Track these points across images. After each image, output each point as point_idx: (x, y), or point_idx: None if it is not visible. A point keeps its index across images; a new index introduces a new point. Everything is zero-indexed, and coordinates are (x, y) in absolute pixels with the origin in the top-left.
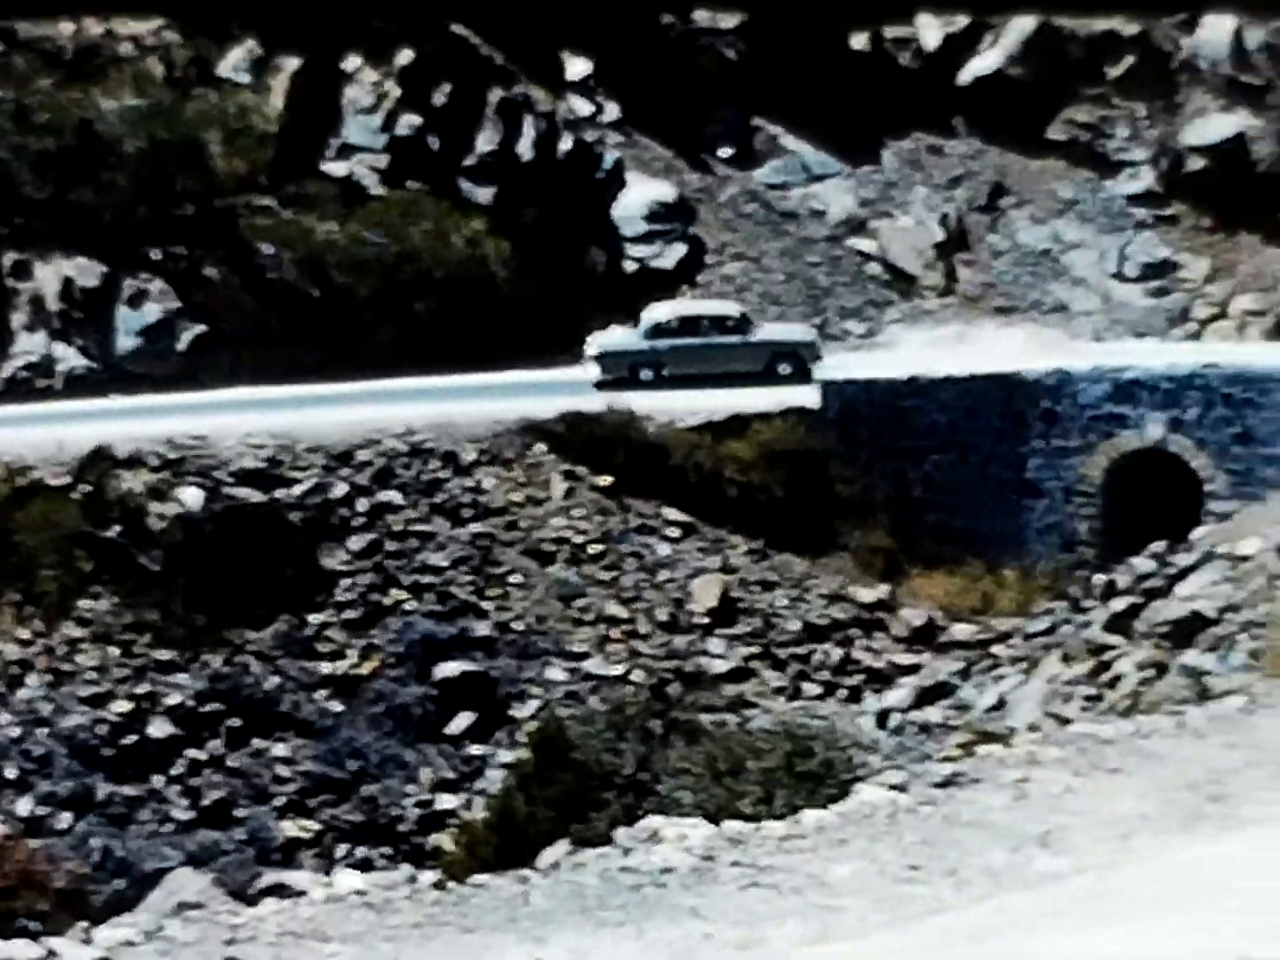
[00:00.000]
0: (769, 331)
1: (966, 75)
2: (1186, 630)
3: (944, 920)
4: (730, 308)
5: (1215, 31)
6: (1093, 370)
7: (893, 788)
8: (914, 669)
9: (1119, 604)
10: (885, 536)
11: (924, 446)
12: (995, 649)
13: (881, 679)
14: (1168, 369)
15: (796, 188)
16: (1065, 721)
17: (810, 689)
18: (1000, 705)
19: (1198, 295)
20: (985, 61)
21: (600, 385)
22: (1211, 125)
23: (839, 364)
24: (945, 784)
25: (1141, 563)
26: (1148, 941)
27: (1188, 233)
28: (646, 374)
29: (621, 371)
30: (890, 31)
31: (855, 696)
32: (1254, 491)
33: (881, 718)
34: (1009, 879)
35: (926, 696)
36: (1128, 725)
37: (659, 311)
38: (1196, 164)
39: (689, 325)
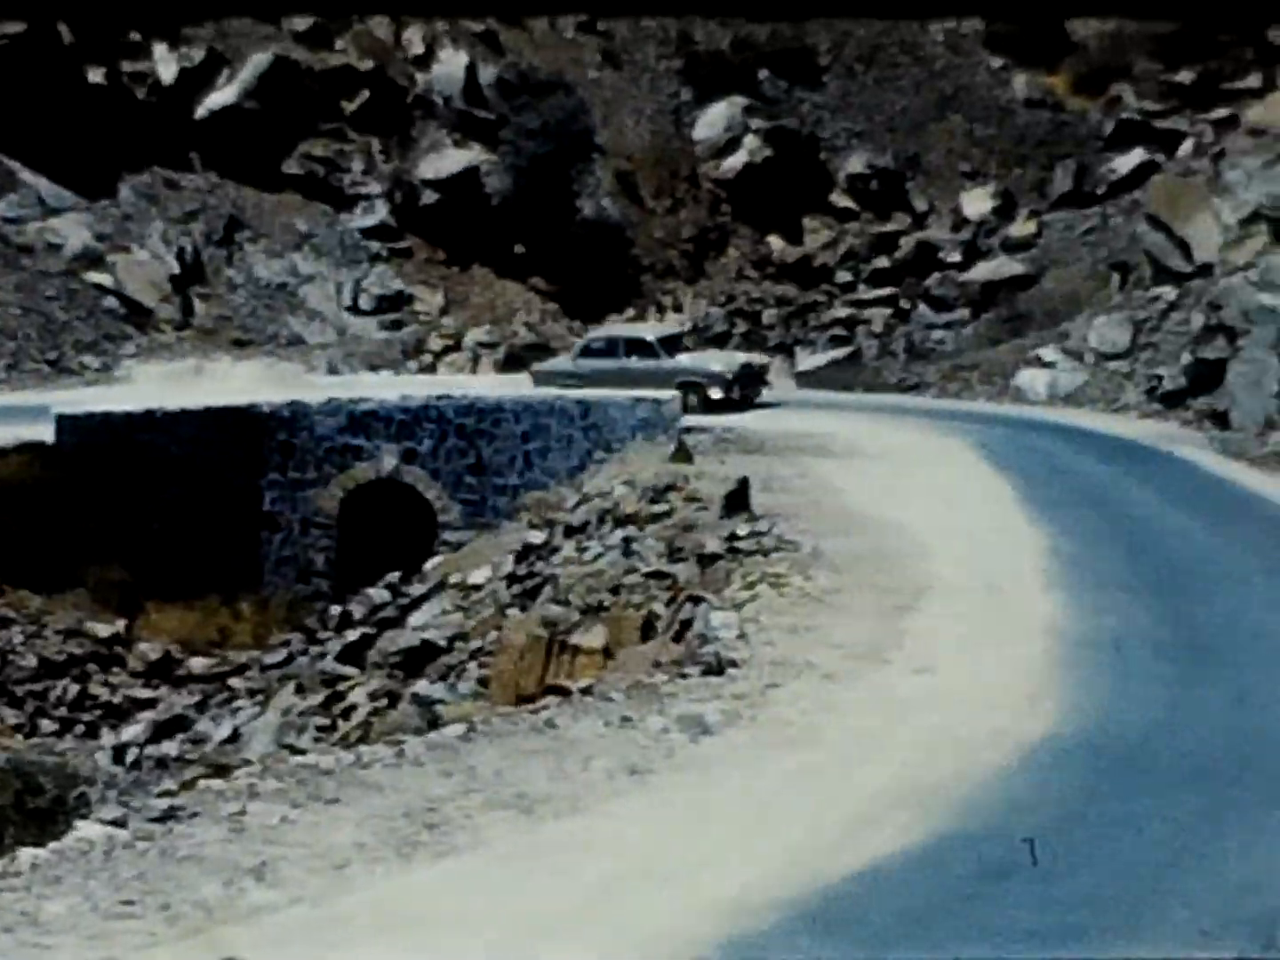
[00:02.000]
0: (682, 360)
1: (203, 109)
2: (418, 659)
3: (157, 955)
4: (649, 330)
5: (449, 67)
6: (328, 403)
7: (111, 823)
8: (151, 703)
9: (353, 634)
10: (122, 571)
11: (162, 480)
12: (232, 681)
13: (119, 714)
14: (402, 401)
15: (33, 221)
16: (299, 752)
17: (47, 725)
18: (235, 737)
19: (432, 328)
20: (222, 96)
21: None
22: (445, 159)
23: (75, 398)
24: (164, 819)
25: (376, 593)
26: None
27: (422, 266)
28: None
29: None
30: (127, 65)
31: (93, 732)
32: (487, 521)
33: (118, 753)
34: (222, 912)
35: (163, 730)
36: (348, 756)
37: (592, 333)
38: (430, 198)
39: (609, 347)
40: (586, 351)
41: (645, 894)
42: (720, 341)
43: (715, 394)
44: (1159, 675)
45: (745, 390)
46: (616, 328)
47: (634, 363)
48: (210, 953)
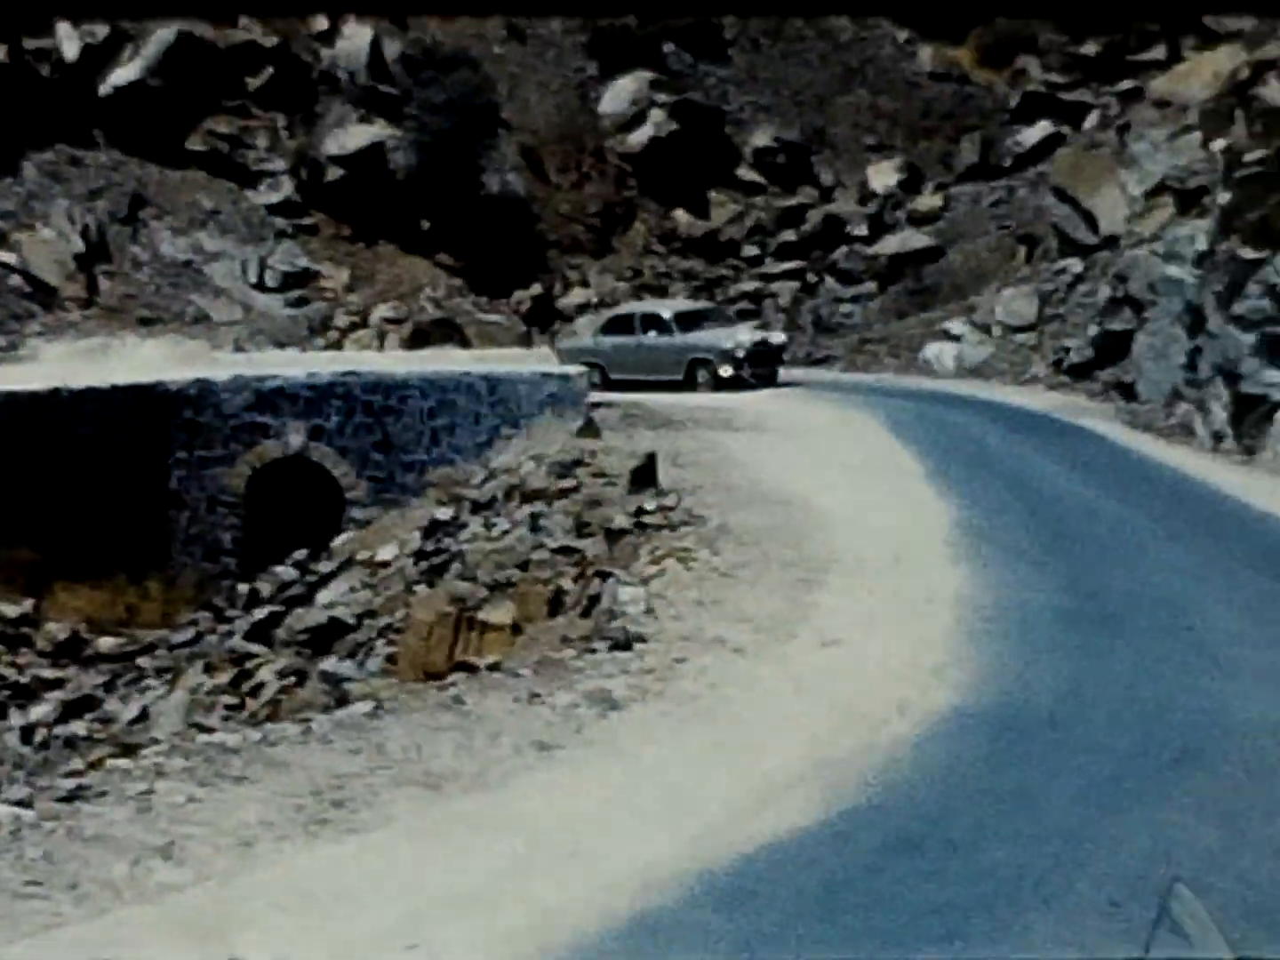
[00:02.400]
0: (695, 336)
1: (107, 86)
2: (326, 637)
3: (65, 934)
4: (665, 305)
5: (354, 43)
6: (234, 380)
7: (18, 803)
8: (59, 683)
9: (261, 613)
10: (30, 551)
11: (68, 459)
12: (140, 661)
13: (27, 694)
14: (309, 378)
15: None
16: (207, 731)
17: None
18: (144, 717)
19: (338, 304)
20: (125, 73)
21: None
22: (350, 135)
23: None
24: (71, 798)
25: (284, 571)
26: (267, 948)
27: (328, 242)
28: (594, 375)
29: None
30: (30, 43)
31: (1, 713)
32: (394, 498)
33: (26, 733)
34: (130, 892)
35: (71, 710)
36: (254, 733)
37: (615, 309)
38: (335, 174)
39: (627, 324)
40: (607, 327)
41: (553, 869)
42: None
43: (725, 372)
44: (1065, 646)
45: (758, 368)
46: (636, 303)
47: (649, 339)
48: (115, 930)
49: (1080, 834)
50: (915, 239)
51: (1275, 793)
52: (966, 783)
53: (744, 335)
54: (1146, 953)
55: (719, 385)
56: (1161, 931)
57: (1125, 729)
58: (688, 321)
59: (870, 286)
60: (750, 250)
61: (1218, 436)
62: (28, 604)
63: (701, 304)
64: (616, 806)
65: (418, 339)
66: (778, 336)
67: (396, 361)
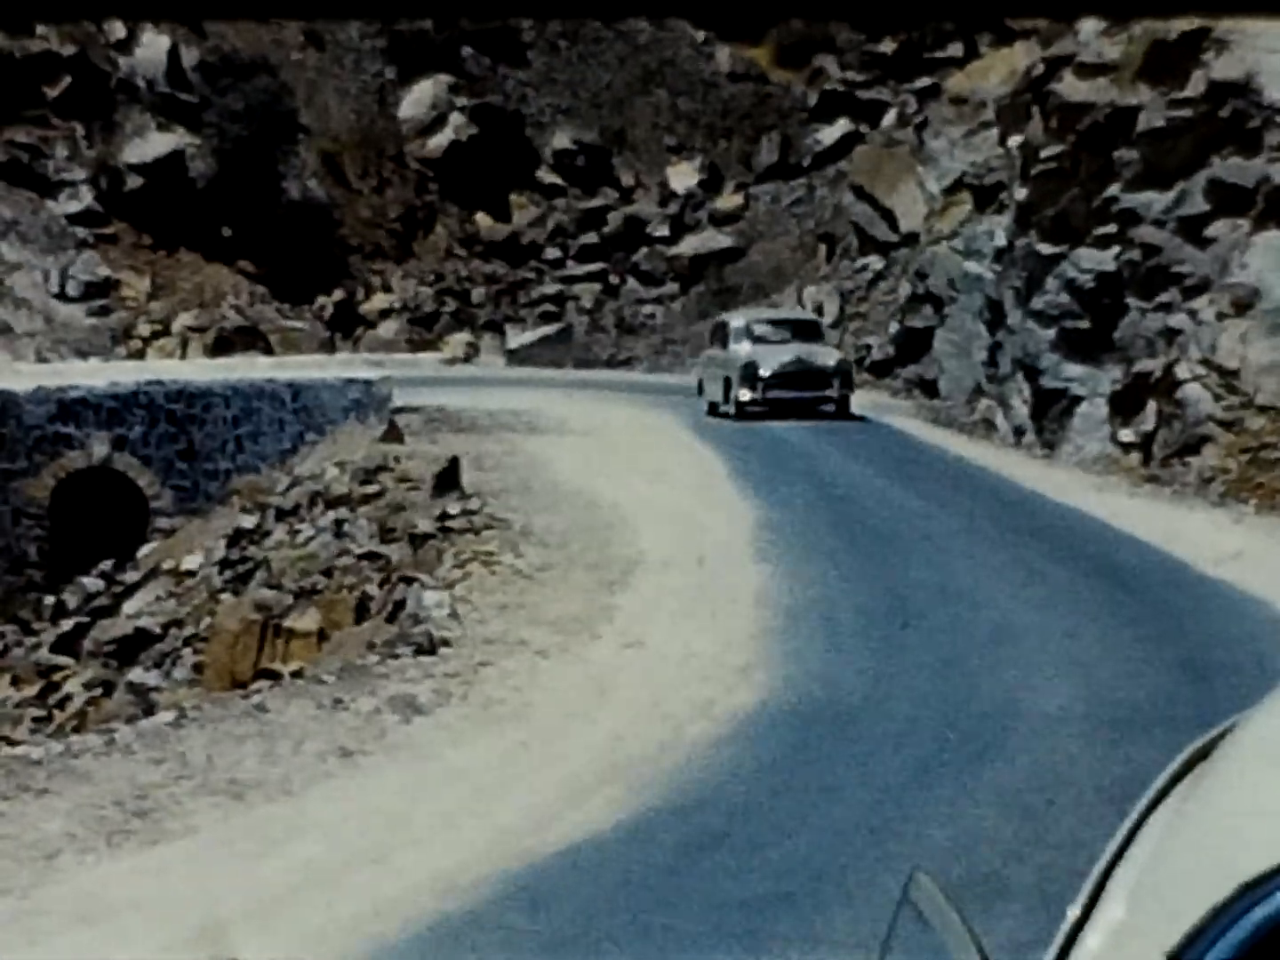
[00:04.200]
0: (736, 350)
1: None
2: (133, 647)
3: None
4: (738, 315)
5: (151, 51)
6: (36, 391)
7: None
8: None
9: (68, 624)
10: None
11: None
12: None
13: None
14: (111, 388)
15: None
16: (14, 744)
17: None
18: None
19: (140, 313)
20: None
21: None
22: (149, 144)
23: None
24: None
25: (90, 582)
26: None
27: (129, 251)
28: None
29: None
30: None
31: None
32: (199, 506)
33: None
34: None
35: None
36: (57, 745)
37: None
38: (135, 182)
39: (715, 333)
40: (710, 338)
41: (356, 875)
42: (429, 321)
43: (744, 395)
44: (868, 643)
45: (776, 393)
46: (746, 311)
47: (717, 353)
48: None
49: (884, 830)
50: (716, 239)
51: (1071, 784)
52: (770, 781)
53: (781, 353)
54: (887, 944)
55: (740, 412)
56: (901, 922)
57: (928, 724)
58: (766, 334)
59: (672, 287)
60: (552, 253)
61: (1019, 431)
62: None
63: (797, 314)
64: (420, 811)
65: (221, 347)
66: (828, 356)
67: (200, 370)
